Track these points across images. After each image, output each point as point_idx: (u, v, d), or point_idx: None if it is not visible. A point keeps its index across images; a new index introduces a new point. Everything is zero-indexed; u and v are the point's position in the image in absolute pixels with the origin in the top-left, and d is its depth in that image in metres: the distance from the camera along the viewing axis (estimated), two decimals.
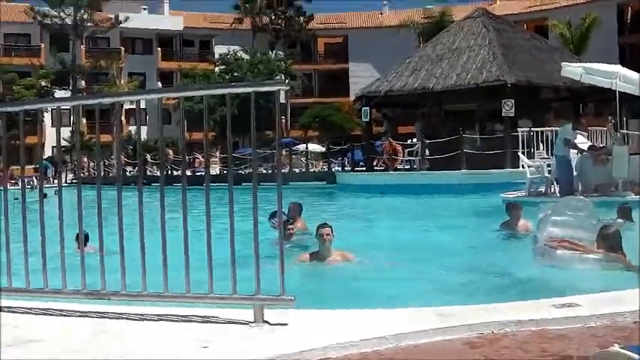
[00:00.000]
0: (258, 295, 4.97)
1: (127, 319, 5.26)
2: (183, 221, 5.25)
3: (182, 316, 5.20)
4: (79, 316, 5.40)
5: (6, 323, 5.15)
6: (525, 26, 64.24)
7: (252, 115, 5.20)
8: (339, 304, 6.22)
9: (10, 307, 5.62)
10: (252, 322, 4.95)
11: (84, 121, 55.47)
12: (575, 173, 19.38)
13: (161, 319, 5.17)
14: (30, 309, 5.60)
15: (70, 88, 70.40)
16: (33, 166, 41.32)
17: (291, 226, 12.00)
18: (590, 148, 20.08)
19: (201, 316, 5.16)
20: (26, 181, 6.15)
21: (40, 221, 5.72)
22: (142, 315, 5.28)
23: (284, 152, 42.92)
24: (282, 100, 71.15)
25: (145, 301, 5.40)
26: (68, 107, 6.44)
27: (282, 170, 37.04)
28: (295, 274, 8.79)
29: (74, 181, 42.69)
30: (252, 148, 5.79)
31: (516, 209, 13.75)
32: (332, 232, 10.22)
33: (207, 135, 5.58)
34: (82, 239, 6.09)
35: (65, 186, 6.24)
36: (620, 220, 13.34)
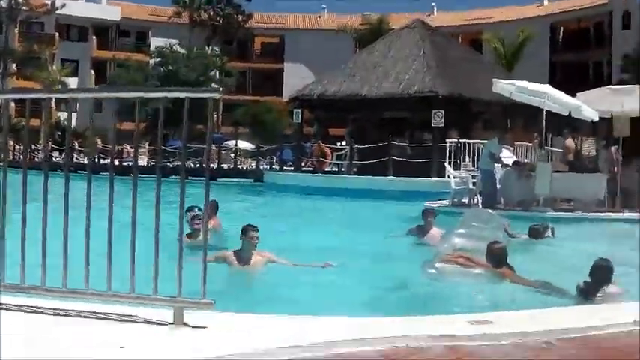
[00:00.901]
0: (178, 297, 4.98)
1: (44, 313, 5.21)
2: (109, 215, 5.23)
3: (101, 313, 5.14)
4: None
5: None
6: (461, 39, 65.35)
7: (184, 121, 5.23)
8: (259, 308, 6.29)
9: None
10: (171, 324, 4.96)
11: (12, 104, 54.53)
12: (499, 187, 19.78)
13: (79, 316, 5.14)
14: None
15: (1, 71, 69.06)
16: None
17: (198, 221, 11.52)
18: (514, 163, 20.50)
19: (120, 314, 5.11)
20: None
21: None
22: (59, 310, 5.23)
23: (213, 148, 42.76)
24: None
25: (64, 297, 5.36)
26: None
27: (210, 166, 37.01)
28: (217, 274, 8.81)
29: None
30: (183, 152, 5.82)
31: (430, 216, 14.16)
32: (258, 233, 10.27)
33: (138, 137, 5.59)
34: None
35: None
36: (525, 236, 13.84)
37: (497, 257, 9.75)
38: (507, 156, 20.84)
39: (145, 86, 60.56)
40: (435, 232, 13.83)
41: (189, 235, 10.81)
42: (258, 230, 10.30)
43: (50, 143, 44.57)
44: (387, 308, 8.31)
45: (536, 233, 14.09)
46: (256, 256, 10.28)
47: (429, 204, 19.70)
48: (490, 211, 14.50)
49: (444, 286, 9.50)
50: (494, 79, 23.66)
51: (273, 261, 10.45)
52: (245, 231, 10.28)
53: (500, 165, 19.86)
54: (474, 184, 20.74)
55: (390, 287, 9.60)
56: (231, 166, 41.76)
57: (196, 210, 11.25)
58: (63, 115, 59.35)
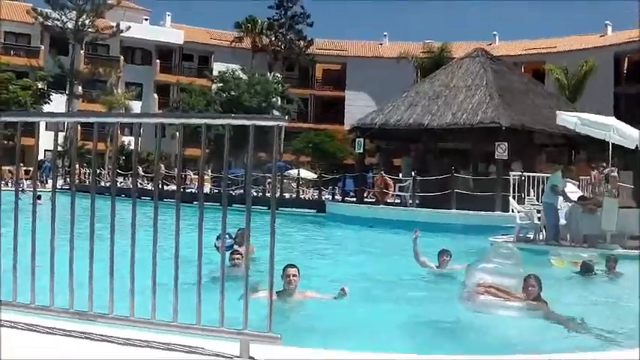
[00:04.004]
0: (245, 330, 4.95)
1: (111, 342, 5.22)
2: (176, 244, 5.22)
3: (166, 344, 5.15)
4: (64, 335, 5.36)
5: None
6: (523, 68, 64.74)
7: (249, 148, 5.20)
8: (315, 343, 6.26)
9: None
10: (237, 357, 4.93)
11: (78, 126, 55.45)
12: (564, 222, 19.46)
13: (147, 346, 5.13)
14: (15, 322, 5.55)
15: (67, 92, 70.25)
16: (25, 169, 41.30)
17: (237, 255, 11.45)
18: (580, 198, 20.11)
19: (186, 346, 5.11)
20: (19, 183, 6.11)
21: (32, 234, 5.67)
22: (126, 339, 5.23)
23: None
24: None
25: (131, 326, 5.37)
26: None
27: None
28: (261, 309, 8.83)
29: (64, 187, 42.75)
30: (247, 184, 5.77)
31: (445, 255, 14.43)
32: (298, 273, 10.06)
33: (204, 172, 5.57)
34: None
35: (57, 191, 6.15)
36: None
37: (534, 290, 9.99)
38: (573, 190, 20.46)
39: (208, 112, 61.29)
40: (450, 268, 14.20)
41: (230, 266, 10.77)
42: (296, 267, 10.10)
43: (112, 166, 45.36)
44: (430, 342, 8.58)
45: (589, 267, 14.60)
46: (297, 296, 10.07)
47: (493, 239, 19.46)
48: (510, 245, 14.63)
49: (485, 318, 9.67)
50: (557, 112, 23.43)
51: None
52: (284, 270, 9.98)
53: (563, 199, 19.56)
54: (539, 218, 20.42)
55: (430, 321, 9.78)
56: (294, 196, 41.59)
57: (227, 237, 11.06)
58: (127, 139, 60.19)
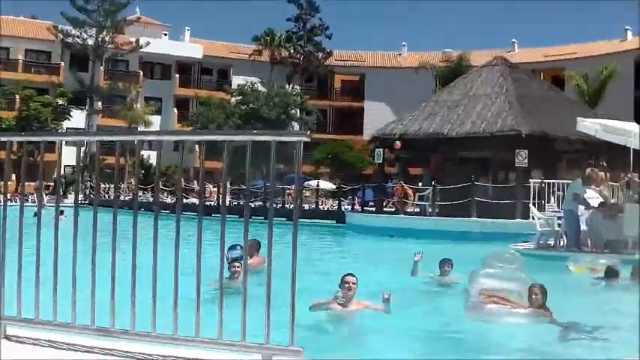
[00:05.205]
0: (266, 344, 4.94)
1: (132, 357, 5.21)
2: (197, 259, 5.22)
3: (189, 359, 5.15)
4: (85, 351, 5.36)
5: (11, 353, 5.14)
6: (542, 75, 64.31)
7: (272, 164, 5.20)
8: (351, 354, 6.24)
9: (18, 337, 5.60)
10: None
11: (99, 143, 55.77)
12: (585, 228, 19.36)
13: None
14: (37, 340, 5.56)
15: (87, 108, 70.69)
16: (45, 184, 41.53)
17: (237, 264, 10.91)
18: (601, 204, 19.98)
19: None
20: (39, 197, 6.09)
21: (54, 252, 5.67)
22: (148, 355, 5.23)
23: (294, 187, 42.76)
24: None
25: (153, 342, 5.36)
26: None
27: (291, 206, 36.67)
28: (317, 320, 9.07)
29: (84, 202, 42.93)
30: (270, 201, 5.74)
31: (446, 265, 14.20)
32: (356, 282, 10.12)
33: (226, 186, 5.55)
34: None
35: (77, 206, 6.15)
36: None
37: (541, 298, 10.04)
38: (593, 197, 20.34)
39: (227, 124, 61.41)
40: (452, 278, 14.03)
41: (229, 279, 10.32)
42: (354, 276, 10.15)
43: (134, 182, 45.47)
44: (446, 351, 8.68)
45: (614, 273, 14.21)
46: (354, 305, 10.11)
47: (514, 246, 19.38)
48: (512, 251, 14.57)
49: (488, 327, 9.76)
50: (578, 118, 23.25)
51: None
52: (343, 278, 10.13)
53: (584, 206, 19.46)
54: (559, 225, 20.34)
55: (442, 330, 9.86)
56: (313, 207, 41.47)
57: (238, 248, 10.70)
58: (145, 153, 60.47)
